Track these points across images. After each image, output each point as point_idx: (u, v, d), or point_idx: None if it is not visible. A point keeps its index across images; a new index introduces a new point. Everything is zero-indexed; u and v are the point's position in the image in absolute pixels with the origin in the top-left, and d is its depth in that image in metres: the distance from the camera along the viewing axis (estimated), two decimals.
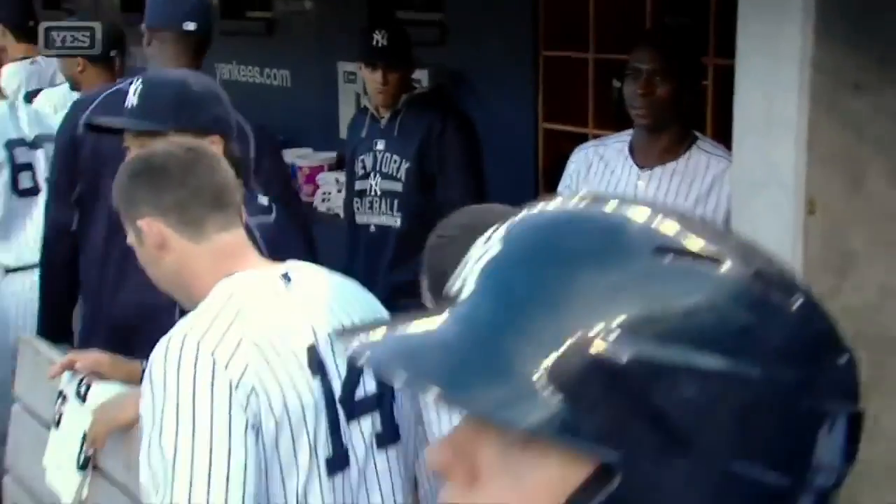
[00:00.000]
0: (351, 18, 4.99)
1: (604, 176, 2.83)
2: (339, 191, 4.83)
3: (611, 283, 0.62)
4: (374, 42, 3.47)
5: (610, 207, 0.66)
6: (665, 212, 0.66)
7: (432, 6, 4.99)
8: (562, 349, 0.60)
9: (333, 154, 5.23)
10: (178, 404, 1.61)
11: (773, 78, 2.27)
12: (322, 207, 4.96)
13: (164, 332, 1.68)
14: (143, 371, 2.22)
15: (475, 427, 0.64)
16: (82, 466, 2.36)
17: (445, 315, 0.65)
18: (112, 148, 2.33)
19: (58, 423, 2.43)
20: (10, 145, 3.79)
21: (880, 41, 2.25)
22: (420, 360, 0.63)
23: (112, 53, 4.14)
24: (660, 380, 0.60)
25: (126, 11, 5.71)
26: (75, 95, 4.07)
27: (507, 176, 3.83)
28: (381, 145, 3.56)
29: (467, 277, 0.66)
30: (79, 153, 2.77)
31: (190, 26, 2.87)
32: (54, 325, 2.94)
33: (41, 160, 3.83)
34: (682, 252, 0.63)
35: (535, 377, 0.60)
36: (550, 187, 3.36)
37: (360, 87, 4.62)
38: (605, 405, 0.60)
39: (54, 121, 3.97)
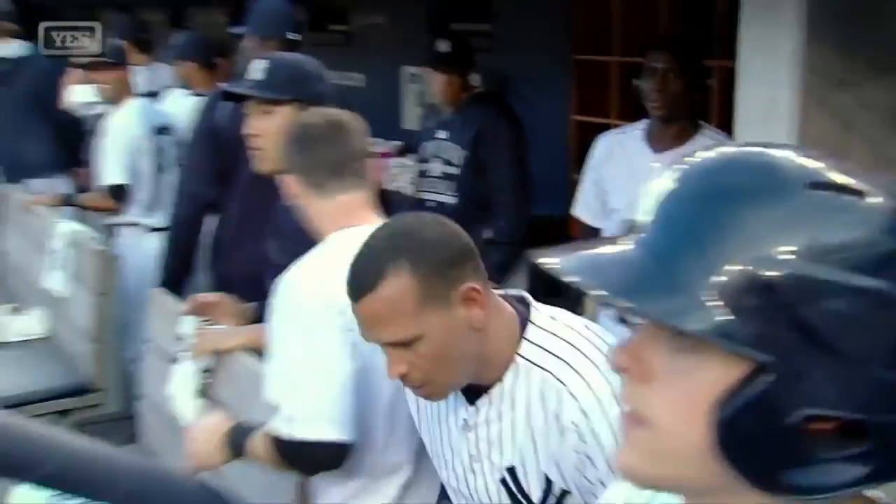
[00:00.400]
0: (414, 30, 4.97)
1: (623, 158, 2.79)
2: (403, 173, 4.82)
3: (768, 213, 0.61)
4: (440, 49, 3.45)
5: (768, 149, 0.65)
6: (815, 153, 0.65)
7: (481, 18, 4.95)
8: (725, 269, 0.60)
9: (399, 142, 5.22)
10: (297, 325, 1.64)
11: (770, 77, 2.22)
12: (389, 186, 4.97)
13: None
14: (252, 311, 2.26)
15: (649, 335, 0.65)
16: (199, 395, 2.40)
17: (627, 241, 0.65)
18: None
19: (179, 360, 2.47)
20: (154, 132, 3.90)
21: (863, 44, 2.19)
22: (604, 273, 0.63)
23: (216, 60, 4.20)
24: (809, 295, 0.59)
25: (233, 25, 5.74)
26: (185, 93, 4.15)
27: (544, 159, 3.80)
28: (443, 135, 3.54)
29: (647, 210, 0.66)
30: (219, 137, 2.78)
31: (294, 36, 2.89)
32: (177, 281, 2.96)
33: (167, 144, 3.93)
34: (833, 186, 0.62)
35: (702, 292, 0.60)
36: (579, 167, 3.33)
37: (423, 87, 4.60)
38: (760, 316, 0.60)
39: (172, 113, 4.05)
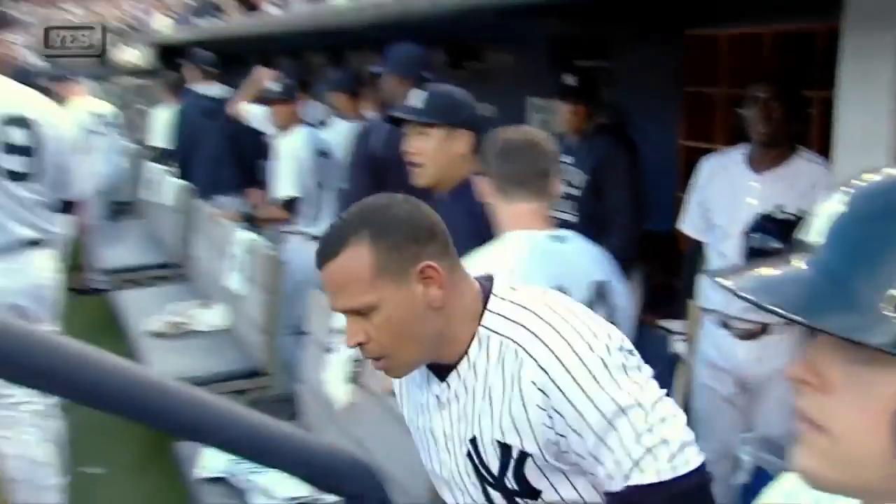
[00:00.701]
0: (537, 67, 4.99)
1: (725, 178, 2.74)
2: None
3: None
4: (567, 82, 3.45)
5: None
6: None
7: (601, 56, 4.91)
8: None
9: None
10: None
11: (868, 105, 2.12)
12: None
13: None
14: None
15: (825, 348, 0.62)
16: (349, 381, 2.48)
17: (799, 261, 0.62)
18: (395, 155, 2.41)
19: (333, 350, 2.57)
20: (317, 154, 4.12)
21: None
22: (777, 291, 0.61)
23: (361, 90, 4.36)
24: None
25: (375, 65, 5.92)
26: (341, 122, 4.32)
27: (656, 179, 3.75)
28: (567, 160, 3.53)
29: (818, 231, 0.62)
30: (375, 160, 2.90)
31: (427, 75, 2.98)
32: None
33: (327, 165, 4.11)
34: None
35: (881, 306, 0.57)
36: (685, 187, 3.26)
37: (546, 116, 4.60)
38: None
39: (331, 139, 4.24)
